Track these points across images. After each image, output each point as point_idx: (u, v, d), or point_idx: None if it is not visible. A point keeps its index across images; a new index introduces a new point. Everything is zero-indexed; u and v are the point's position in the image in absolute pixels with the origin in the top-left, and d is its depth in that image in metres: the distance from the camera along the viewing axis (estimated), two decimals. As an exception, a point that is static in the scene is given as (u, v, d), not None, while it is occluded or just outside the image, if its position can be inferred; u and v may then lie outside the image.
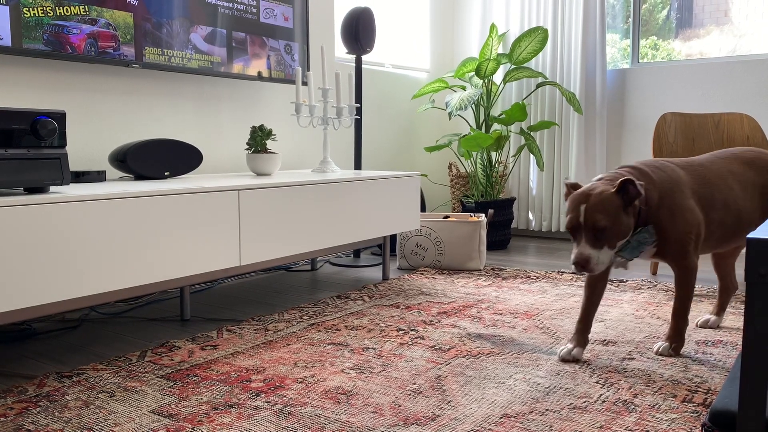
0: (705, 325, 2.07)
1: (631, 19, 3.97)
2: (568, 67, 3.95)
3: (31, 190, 1.65)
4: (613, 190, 1.60)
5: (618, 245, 1.63)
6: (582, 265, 1.58)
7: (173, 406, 1.45)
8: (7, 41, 1.98)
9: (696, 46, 3.84)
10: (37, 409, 1.44)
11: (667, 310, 2.31)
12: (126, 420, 1.38)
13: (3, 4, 1.96)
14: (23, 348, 1.95)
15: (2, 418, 1.39)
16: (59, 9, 2.10)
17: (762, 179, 1.84)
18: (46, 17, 2.07)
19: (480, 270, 3.06)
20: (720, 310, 2.09)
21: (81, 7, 2.15)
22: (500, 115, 3.76)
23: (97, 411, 1.43)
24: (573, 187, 1.70)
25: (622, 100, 3.95)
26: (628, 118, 3.94)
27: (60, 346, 1.97)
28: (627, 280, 2.77)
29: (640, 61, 3.96)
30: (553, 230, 4.08)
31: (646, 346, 1.89)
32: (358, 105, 3.18)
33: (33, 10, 2.03)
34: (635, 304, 2.38)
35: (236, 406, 1.45)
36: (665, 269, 3.10)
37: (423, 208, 3.66)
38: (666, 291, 2.60)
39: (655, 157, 3.00)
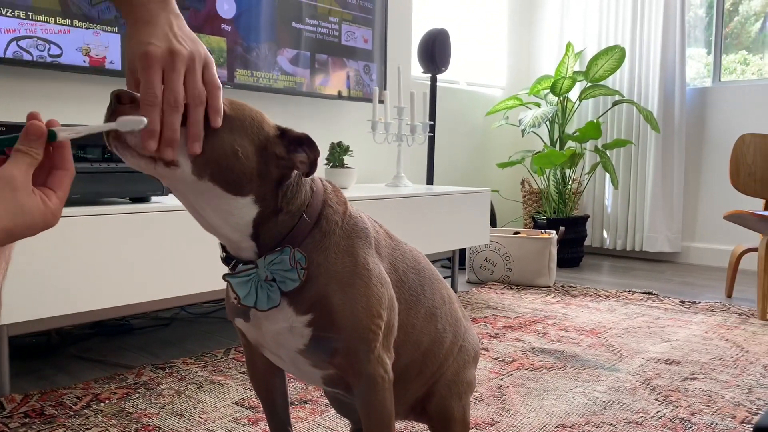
0: None
1: (713, 38, 3.90)
2: (646, 85, 3.92)
3: (135, 200, 1.85)
4: (279, 125, 0.88)
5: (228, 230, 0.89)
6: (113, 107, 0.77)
7: (253, 400, 1.59)
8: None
9: (785, 64, 3.73)
10: (136, 395, 1.62)
11: (738, 333, 2.28)
12: (212, 409, 1.54)
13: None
14: (122, 341, 2.17)
15: (107, 401, 1.58)
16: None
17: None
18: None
19: (549, 286, 3.10)
20: None
21: (181, 33, 2.37)
22: (574, 132, 3.78)
23: (188, 399, 1.59)
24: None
25: (702, 120, 3.88)
26: (708, 138, 3.87)
27: (154, 341, 2.17)
28: (699, 302, 2.74)
29: (726, 77, 3.89)
30: (627, 249, 4.05)
31: (711, 367, 1.89)
32: (432, 122, 3.29)
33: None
34: (705, 326, 2.37)
35: (309, 402, 1.58)
36: (742, 292, 3.03)
37: (494, 224, 3.72)
38: (739, 314, 2.56)
39: (732, 180, 2.95)
